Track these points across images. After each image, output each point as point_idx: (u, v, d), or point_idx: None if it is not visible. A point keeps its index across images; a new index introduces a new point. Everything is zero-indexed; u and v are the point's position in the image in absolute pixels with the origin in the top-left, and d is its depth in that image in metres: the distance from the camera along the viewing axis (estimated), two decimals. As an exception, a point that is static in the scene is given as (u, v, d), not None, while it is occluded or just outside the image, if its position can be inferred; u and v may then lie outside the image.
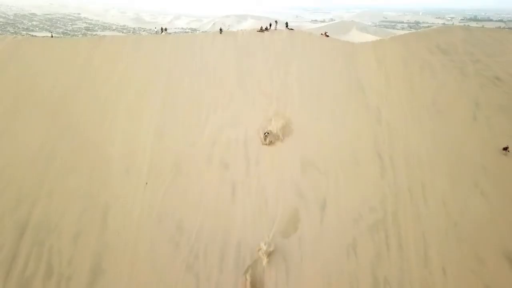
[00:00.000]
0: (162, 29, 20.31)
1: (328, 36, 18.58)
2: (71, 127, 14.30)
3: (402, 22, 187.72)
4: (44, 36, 23.55)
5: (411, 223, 11.75)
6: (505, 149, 13.24)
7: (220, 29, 19.35)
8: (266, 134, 13.30)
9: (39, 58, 16.78)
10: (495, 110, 14.71)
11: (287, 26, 20.55)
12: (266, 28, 19.27)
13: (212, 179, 12.93)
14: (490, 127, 14.19)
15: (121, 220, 11.79)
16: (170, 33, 19.70)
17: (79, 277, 10.75)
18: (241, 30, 19.56)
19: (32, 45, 17.13)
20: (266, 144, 13.36)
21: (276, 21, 20.24)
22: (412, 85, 15.47)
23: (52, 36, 19.24)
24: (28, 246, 11.25)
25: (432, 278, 10.68)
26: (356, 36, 69.60)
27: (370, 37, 51.10)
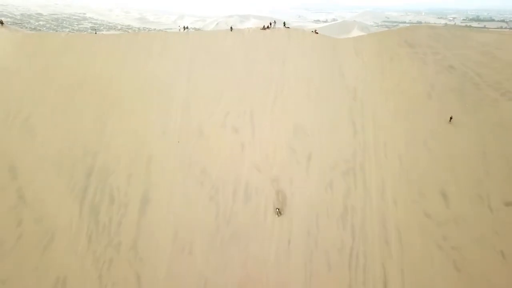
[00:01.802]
0: (184, 27, 24.59)
1: (317, 33, 22.65)
2: (117, 102, 18.63)
3: (404, 22, 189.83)
4: (90, 33, 27.73)
5: (374, 170, 15.89)
6: (450, 118, 17.31)
7: (231, 27, 23.54)
8: (277, 210, 14.57)
9: (87, 50, 21.13)
10: (446, 91, 18.75)
11: (284, 25, 24.66)
12: (268, 27, 23.40)
13: (226, 140, 17.15)
14: (441, 103, 18.23)
15: (161, 166, 16.08)
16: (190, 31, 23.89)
17: (132, 204, 15.05)
18: (248, 28, 23.72)
19: (81, 40, 21.47)
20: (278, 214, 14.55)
21: (274, 21, 24.39)
22: (383, 71, 19.57)
23: (96, 33, 23.55)
24: (95, 184, 15.59)
25: (386, 206, 14.80)
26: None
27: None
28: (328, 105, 18.26)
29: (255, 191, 15.39)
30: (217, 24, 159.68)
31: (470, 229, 13.99)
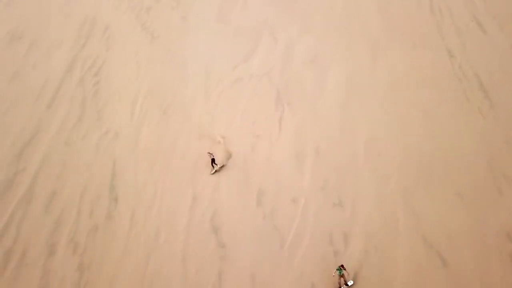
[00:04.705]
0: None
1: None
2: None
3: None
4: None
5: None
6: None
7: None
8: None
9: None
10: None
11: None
12: None
13: (252, 88, 19.08)
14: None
15: (198, 106, 18.59)
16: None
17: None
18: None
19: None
20: None
21: None
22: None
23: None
24: (143, 112, 18.44)
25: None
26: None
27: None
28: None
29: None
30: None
31: None
